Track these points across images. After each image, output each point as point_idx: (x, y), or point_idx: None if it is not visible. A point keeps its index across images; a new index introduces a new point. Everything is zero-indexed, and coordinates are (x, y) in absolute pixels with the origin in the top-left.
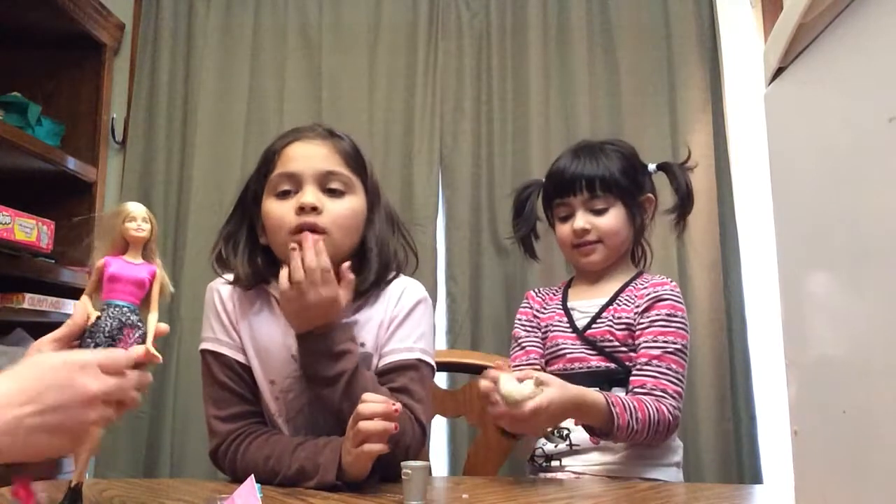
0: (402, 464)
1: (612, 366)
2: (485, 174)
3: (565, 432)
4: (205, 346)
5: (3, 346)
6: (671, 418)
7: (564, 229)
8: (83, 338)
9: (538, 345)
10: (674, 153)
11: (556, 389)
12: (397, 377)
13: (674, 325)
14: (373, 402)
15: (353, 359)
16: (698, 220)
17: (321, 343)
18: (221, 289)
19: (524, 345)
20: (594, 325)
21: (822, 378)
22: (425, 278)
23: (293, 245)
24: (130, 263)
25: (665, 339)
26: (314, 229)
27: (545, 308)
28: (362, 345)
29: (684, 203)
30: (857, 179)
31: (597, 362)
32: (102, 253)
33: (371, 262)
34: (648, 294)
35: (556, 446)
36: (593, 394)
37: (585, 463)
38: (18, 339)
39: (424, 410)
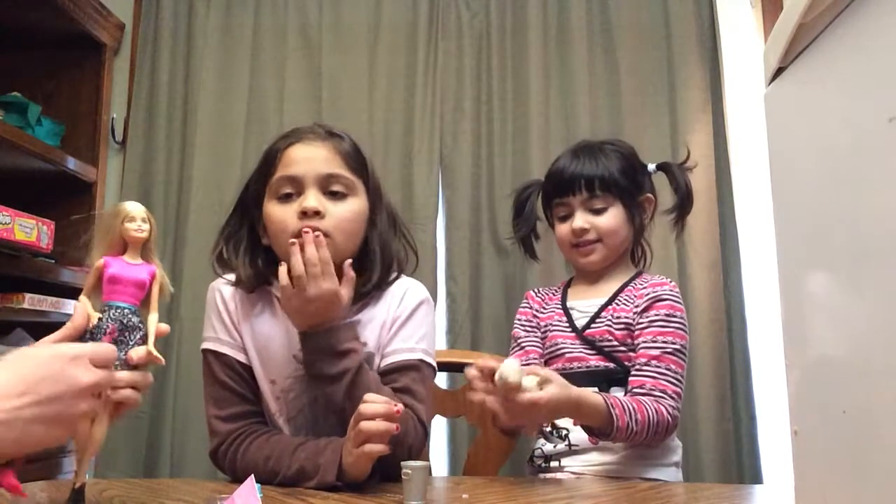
0: (402, 464)
1: (611, 365)
2: (485, 174)
3: (564, 432)
4: (206, 345)
5: (3, 346)
6: (670, 419)
7: (563, 229)
8: (84, 339)
9: (537, 345)
10: (674, 153)
11: (557, 388)
12: (399, 377)
13: (673, 325)
14: (374, 403)
15: (357, 357)
16: (698, 220)
17: (325, 341)
18: (223, 289)
19: (523, 345)
20: (593, 325)
21: (822, 378)
22: (425, 278)
23: (293, 240)
24: (130, 264)
25: (664, 340)
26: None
27: (545, 308)
28: (364, 344)
29: (683, 203)
30: (857, 179)
31: (595, 362)
32: (100, 252)
33: (374, 263)
34: (647, 294)
35: (554, 446)
36: (593, 395)
37: (584, 463)
38: (18, 339)
39: (426, 411)
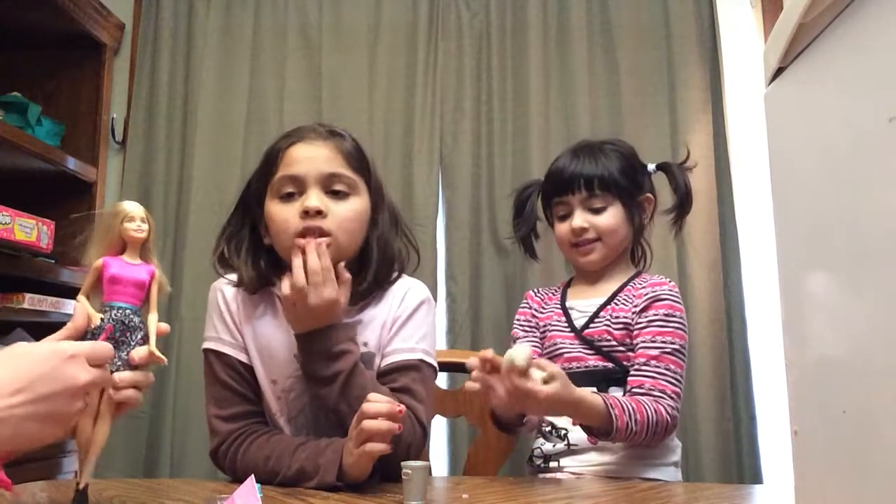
0: (402, 464)
1: (610, 365)
2: (485, 174)
3: (563, 432)
4: (207, 345)
5: (3, 346)
6: (669, 419)
7: (563, 228)
8: (85, 340)
9: (537, 345)
10: (674, 153)
11: (560, 386)
12: (399, 377)
13: (672, 325)
14: (377, 402)
15: (351, 359)
16: (698, 220)
17: (319, 343)
18: (225, 289)
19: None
20: (592, 325)
21: (822, 378)
22: (425, 278)
23: (297, 244)
24: (130, 264)
25: (663, 340)
26: (319, 233)
27: (544, 308)
28: (365, 344)
29: (683, 203)
30: (857, 179)
31: (594, 362)
32: (99, 252)
33: (373, 262)
34: (646, 294)
35: (554, 446)
36: (593, 396)
37: (584, 463)
38: (18, 339)
39: (426, 411)
